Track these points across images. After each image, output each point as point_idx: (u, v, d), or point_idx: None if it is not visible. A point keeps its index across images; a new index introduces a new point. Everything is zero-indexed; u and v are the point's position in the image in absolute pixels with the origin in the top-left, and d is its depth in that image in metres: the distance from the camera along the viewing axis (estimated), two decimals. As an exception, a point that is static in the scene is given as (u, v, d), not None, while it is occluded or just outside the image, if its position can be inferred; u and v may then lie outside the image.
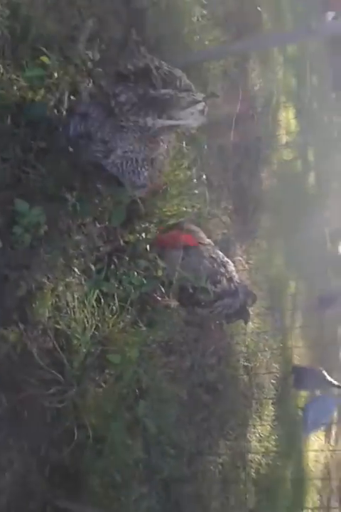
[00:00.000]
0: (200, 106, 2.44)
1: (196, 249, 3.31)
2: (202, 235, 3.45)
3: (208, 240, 3.45)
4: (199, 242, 3.34)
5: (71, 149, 2.45)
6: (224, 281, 3.32)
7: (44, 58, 2.35)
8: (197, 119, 2.41)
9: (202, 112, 2.43)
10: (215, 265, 3.32)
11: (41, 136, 2.39)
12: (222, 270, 3.34)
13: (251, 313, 3.71)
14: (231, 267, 3.45)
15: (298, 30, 4.38)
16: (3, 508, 2.07)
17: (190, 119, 2.36)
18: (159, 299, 3.10)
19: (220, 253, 3.42)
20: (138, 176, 2.56)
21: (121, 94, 2.24)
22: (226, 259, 3.45)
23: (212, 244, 3.45)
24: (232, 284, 3.36)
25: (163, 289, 3.05)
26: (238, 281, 3.45)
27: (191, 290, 3.11)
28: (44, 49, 2.37)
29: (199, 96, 2.39)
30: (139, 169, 2.54)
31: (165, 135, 2.53)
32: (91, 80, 2.66)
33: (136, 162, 2.50)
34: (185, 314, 3.41)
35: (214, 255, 3.35)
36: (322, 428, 5.86)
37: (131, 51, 2.87)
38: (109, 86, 2.23)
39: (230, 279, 3.36)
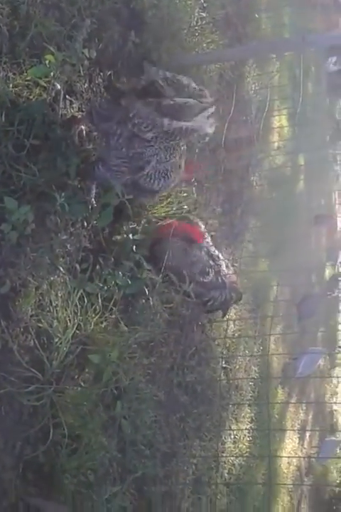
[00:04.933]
0: (211, 111, 2.54)
1: (199, 244, 3.44)
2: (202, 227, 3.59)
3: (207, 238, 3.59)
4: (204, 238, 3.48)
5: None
6: (212, 274, 3.44)
7: (49, 56, 2.35)
8: (212, 125, 2.50)
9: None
10: (207, 258, 3.46)
11: (35, 135, 2.39)
12: (212, 263, 3.47)
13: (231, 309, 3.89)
14: (221, 260, 3.58)
15: (292, 39, 4.41)
16: (-24, 505, 2.09)
17: (206, 125, 2.45)
18: None
19: (211, 245, 3.56)
20: (168, 180, 2.68)
21: (136, 117, 2.37)
22: (217, 252, 3.58)
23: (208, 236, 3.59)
24: (219, 278, 3.48)
25: (147, 291, 3.08)
26: (226, 275, 3.56)
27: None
28: (50, 47, 2.37)
29: (209, 100, 2.47)
30: (169, 175, 2.66)
31: (184, 139, 2.64)
32: (88, 80, 2.68)
33: (166, 171, 2.62)
34: (167, 315, 3.45)
35: (209, 248, 3.50)
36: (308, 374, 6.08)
37: (129, 52, 2.92)
38: (129, 104, 2.31)
39: (218, 273, 3.48)
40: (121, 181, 2.63)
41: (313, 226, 6.88)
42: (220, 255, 3.62)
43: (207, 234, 3.61)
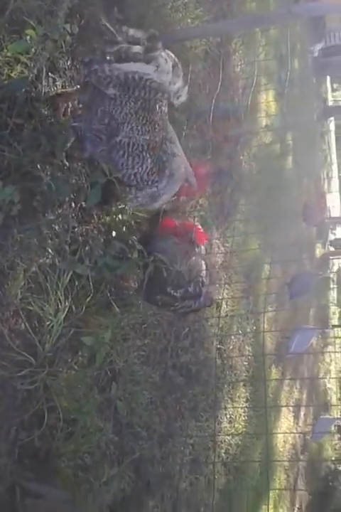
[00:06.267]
0: (168, 64, 2.39)
1: (200, 248, 3.25)
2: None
3: None
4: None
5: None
6: (192, 284, 3.20)
7: (30, 31, 2.29)
8: (176, 84, 2.42)
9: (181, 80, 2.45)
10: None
11: (18, 113, 2.33)
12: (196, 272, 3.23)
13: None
14: (203, 267, 3.34)
15: (278, 11, 4.36)
16: (-29, 491, 2.06)
17: (148, 69, 2.33)
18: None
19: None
20: (142, 162, 2.50)
21: (92, 63, 2.26)
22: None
23: None
24: (198, 288, 3.24)
25: (138, 271, 3.02)
26: (204, 284, 3.34)
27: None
28: (31, 22, 2.30)
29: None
30: (144, 154, 2.49)
31: (155, 110, 2.46)
32: (71, 57, 2.61)
33: (141, 146, 2.47)
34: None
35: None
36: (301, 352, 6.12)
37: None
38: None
39: (197, 283, 3.25)
40: (96, 150, 2.47)
41: (302, 216, 6.88)
42: (203, 265, 3.34)
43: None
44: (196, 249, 3.23)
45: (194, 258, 3.19)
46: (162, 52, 2.36)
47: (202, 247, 3.31)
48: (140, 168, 2.53)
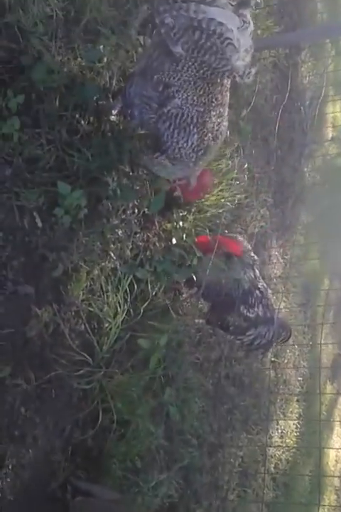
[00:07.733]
0: (251, 27, 2.16)
1: (240, 259, 3.07)
2: (247, 245, 3.23)
3: (253, 255, 3.18)
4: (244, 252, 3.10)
5: (129, 111, 2.40)
6: (260, 306, 3.08)
7: (104, 41, 2.35)
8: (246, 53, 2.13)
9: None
10: (252, 285, 3.06)
11: (88, 120, 2.40)
12: (258, 294, 3.09)
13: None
14: (269, 292, 3.21)
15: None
16: (25, 485, 2.12)
17: (240, 33, 2.06)
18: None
19: (258, 273, 3.16)
20: (188, 137, 2.34)
21: (167, 12, 2.02)
22: (265, 285, 3.20)
23: (256, 258, 3.18)
24: (268, 312, 3.11)
25: (195, 278, 3.01)
26: (275, 310, 3.24)
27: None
28: (104, 32, 2.36)
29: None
30: (191, 128, 2.31)
31: (216, 82, 2.24)
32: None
33: (191, 119, 2.29)
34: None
35: (255, 272, 3.11)
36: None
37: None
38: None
39: (266, 306, 3.11)
40: (144, 117, 2.33)
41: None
42: (269, 290, 3.23)
43: (253, 255, 3.17)
44: (234, 261, 3.04)
45: (234, 271, 3.02)
46: (248, 14, 2.16)
47: (246, 259, 3.09)
48: (185, 144, 2.37)
